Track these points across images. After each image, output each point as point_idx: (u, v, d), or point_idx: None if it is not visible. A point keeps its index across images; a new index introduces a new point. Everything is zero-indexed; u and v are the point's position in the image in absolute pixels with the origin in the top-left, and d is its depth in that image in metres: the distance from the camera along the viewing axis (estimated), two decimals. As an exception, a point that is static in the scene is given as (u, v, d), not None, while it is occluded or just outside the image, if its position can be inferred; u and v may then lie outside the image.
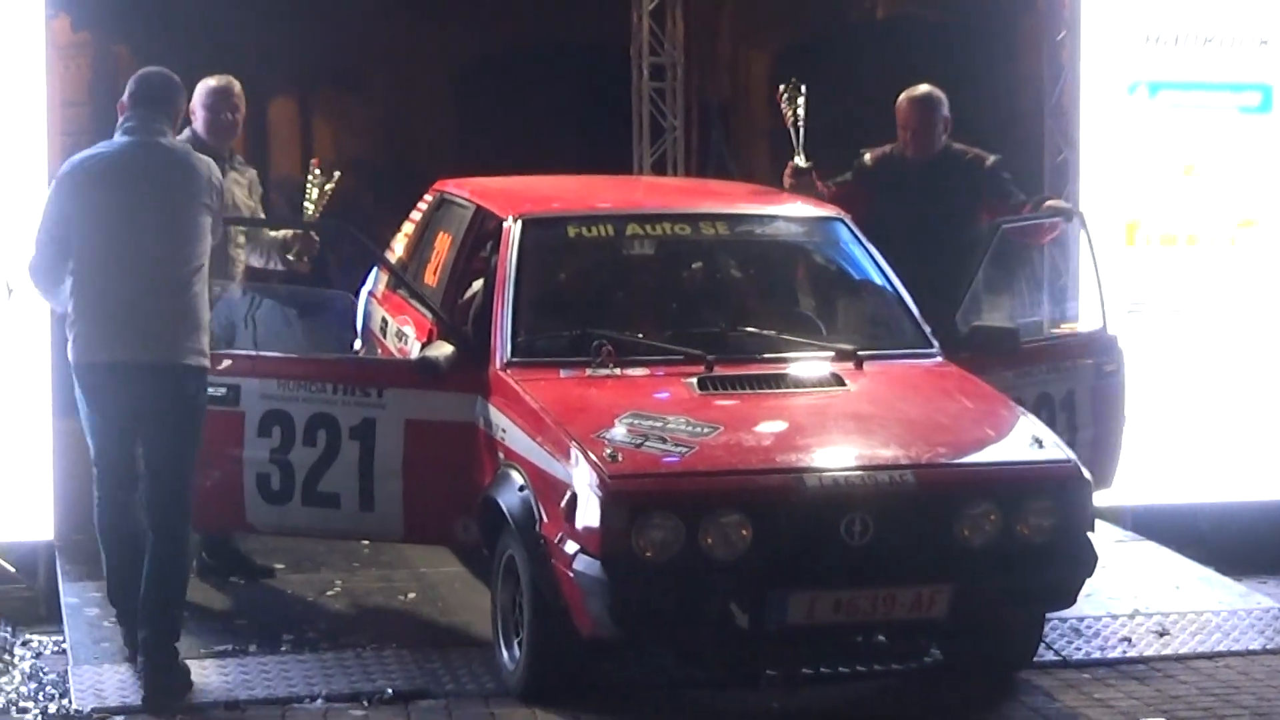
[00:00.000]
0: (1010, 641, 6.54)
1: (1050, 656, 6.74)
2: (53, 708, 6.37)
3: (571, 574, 5.89)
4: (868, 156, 7.95)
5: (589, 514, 5.88)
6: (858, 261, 7.26)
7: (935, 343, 6.94)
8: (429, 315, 7.17)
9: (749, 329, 6.96)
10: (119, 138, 6.40)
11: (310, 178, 7.58)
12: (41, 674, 6.78)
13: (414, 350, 7.22)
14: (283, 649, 6.79)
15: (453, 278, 7.45)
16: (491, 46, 17.65)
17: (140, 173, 6.33)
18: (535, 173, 8.69)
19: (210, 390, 6.75)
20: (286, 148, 18.93)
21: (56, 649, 7.07)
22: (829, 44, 16.53)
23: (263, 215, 7.90)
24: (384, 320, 8.04)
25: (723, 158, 16.55)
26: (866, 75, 15.62)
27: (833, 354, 6.79)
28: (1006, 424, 6.45)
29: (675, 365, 6.64)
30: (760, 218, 7.44)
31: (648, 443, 6.07)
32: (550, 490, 6.09)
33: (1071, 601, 6.26)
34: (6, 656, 6.95)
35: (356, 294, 8.43)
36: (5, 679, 6.67)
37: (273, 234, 7.72)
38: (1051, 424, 6.74)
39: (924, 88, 7.86)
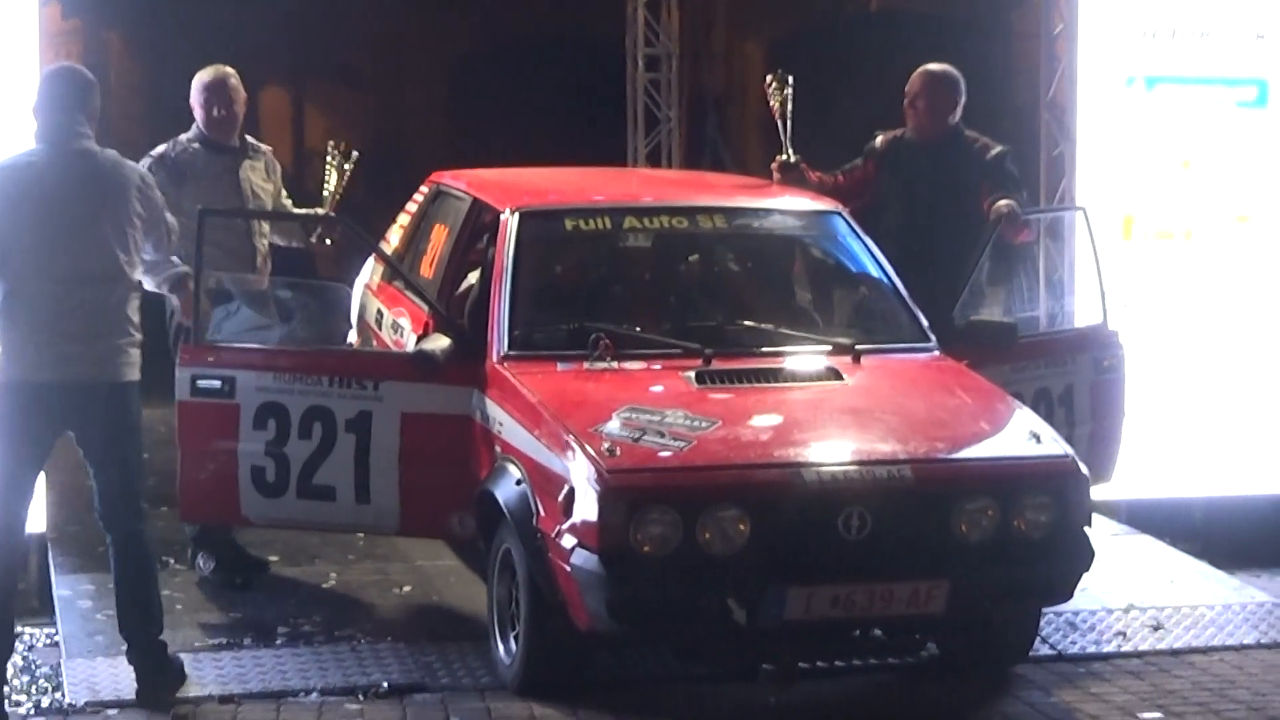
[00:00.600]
0: (1006, 636, 6.53)
1: (1046, 651, 6.74)
2: (46, 701, 6.35)
3: (569, 568, 5.88)
4: (879, 139, 7.92)
5: (587, 508, 5.87)
6: (855, 255, 7.25)
7: (933, 337, 6.93)
8: (426, 308, 7.15)
9: (746, 323, 6.94)
10: (38, 145, 6.14)
11: (329, 159, 7.53)
12: (34, 667, 6.77)
13: (409, 342, 7.20)
14: (278, 642, 6.78)
15: (449, 270, 7.42)
16: (485, 37, 17.66)
17: (61, 184, 6.07)
18: (529, 164, 8.68)
19: (206, 383, 6.74)
20: (279, 137, 18.91)
21: (49, 641, 7.06)
22: (824, 36, 16.54)
23: (285, 196, 7.80)
24: (379, 312, 8.02)
25: (718, 149, 16.56)
26: (860, 67, 15.63)
27: (830, 348, 6.78)
28: (1004, 419, 6.44)
29: (673, 359, 6.62)
30: (758, 211, 7.43)
31: (645, 437, 6.05)
32: (548, 484, 6.07)
33: (1069, 597, 6.26)
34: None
35: (350, 285, 8.41)
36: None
37: (310, 212, 7.64)
38: (1049, 419, 6.73)
39: (941, 65, 7.84)
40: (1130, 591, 7.35)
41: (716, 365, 6.55)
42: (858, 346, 6.77)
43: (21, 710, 6.20)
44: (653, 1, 12.48)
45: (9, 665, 6.67)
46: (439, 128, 17.29)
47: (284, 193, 7.83)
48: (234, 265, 7.47)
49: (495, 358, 6.66)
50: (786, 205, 7.47)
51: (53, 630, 7.10)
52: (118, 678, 6.41)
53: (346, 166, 7.54)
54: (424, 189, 8.16)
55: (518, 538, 6.15)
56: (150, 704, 6.15)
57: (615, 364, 6.59)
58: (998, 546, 6.01)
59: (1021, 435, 6.26)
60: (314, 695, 6.28)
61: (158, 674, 6.23)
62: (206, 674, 6.45)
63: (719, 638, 6.08)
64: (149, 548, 6.37)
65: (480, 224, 7.44)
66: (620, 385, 6.46)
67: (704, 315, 6.96)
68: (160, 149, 7.58)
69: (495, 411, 6.54)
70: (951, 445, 6.25)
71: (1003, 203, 7.41)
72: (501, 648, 6.40)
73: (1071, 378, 7.27)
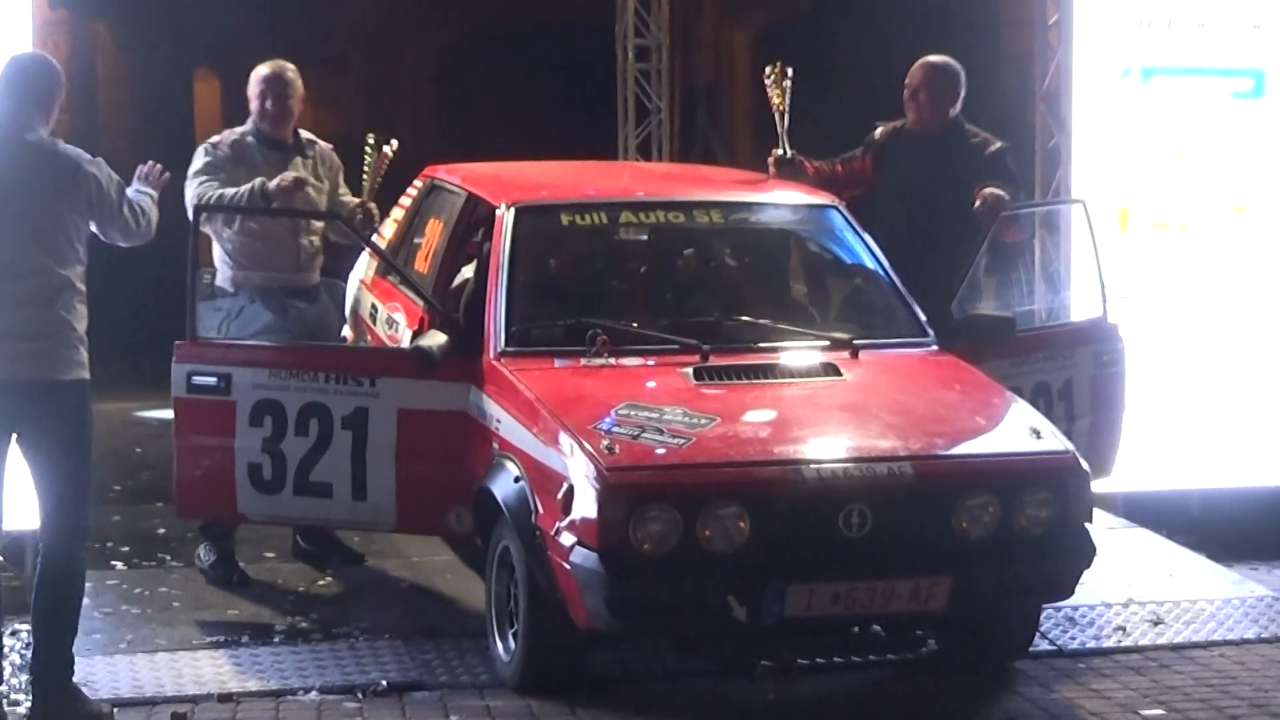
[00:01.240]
0: (1006, 632, 6.52)
1: (1045, 646, 6.72)
2: (44, 701, 6.30)
3: (568, 566, 5.86)
4: (879, 131, 7.90)
5: (586, 506, 5.84)
6: (853, 249, 7.23)
7: (931, 331, 6.91)
8: (422, 304, 7.11)
9: (744, 318, 6.92)
10: None
11: (366, 149, 7.48)
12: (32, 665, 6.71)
13: (405, 338, 7.18)
14: (275, 640, 6.77)
15: (444, 265, 7.39)
16: (475, 27, 17.62)
17: (3, 176, 5.94)
18: (518, 154, 8.65)
19: (202, 379, 6.70)
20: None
21: (46, 639, 6.99)
22: (812, 24, 16.49)
23: (344, 193, 7.71)
24: (374, 307, 7.99)
25: (708, 139, 16.53)
26: (850, 55, 15.60)
27: (828, 343, 6.76)
28: (1004, 414, 6.42)
29: (670, 355, 6.60)
30: (755, 205, 7.41)
31: (644, 434, 6.03)
32: (546, 482, 6.05)
33: (1070, 593, 6.25)
34: (-4, 648, 6.88)
35: (344, 279, 8.38)
36: (-5, 671, 6.60)
37: (350, 207, 7.57)
38: (1049, 413, 6.72)
39: (942, 57, 7.81)
40: (1129, 586, 7.35)
41: (714, 361, 6.53)
42: (856, 342, 6.75)
43: (20, 710, 6.15)
44: (643, -9, 12.43)
45: (5, 664, 6.66)
46: (428, 117, 17.26)
47: (342, 188, 7.72)
48: (279, 262, 7.40)
49: (492, 354, 6.64)
50: (783, 199, 7.45)
51: (49, 629, 7.03)
52: (116, 676, 6.39)
53: (382, 159, 7.45)
54: (418, 183, 8.13)
55: (516, 535, 6.13)
56: None
57: (613, 360, 6.57)
58: (998, 543, 5.99)
59: (1022, 431, 6.25)
60: (313, 694, 6.26)
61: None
62: (205, 672, 6.43)
63: (719, 635, 6.06)
64: (78, 584, 6.13)
65: (475, 219, 7.41)
66: (618, 381, 6.44)
67: (701, 311, 6.94)
68: (216, 138, 7.53)
69: (492, 408, 6.51)
70: (952, 441, 6.23)
71: (988, 190, 7.36)
72: (500, 645, 6.38)
73: (1071, 371, 7.26)
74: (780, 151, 7.67)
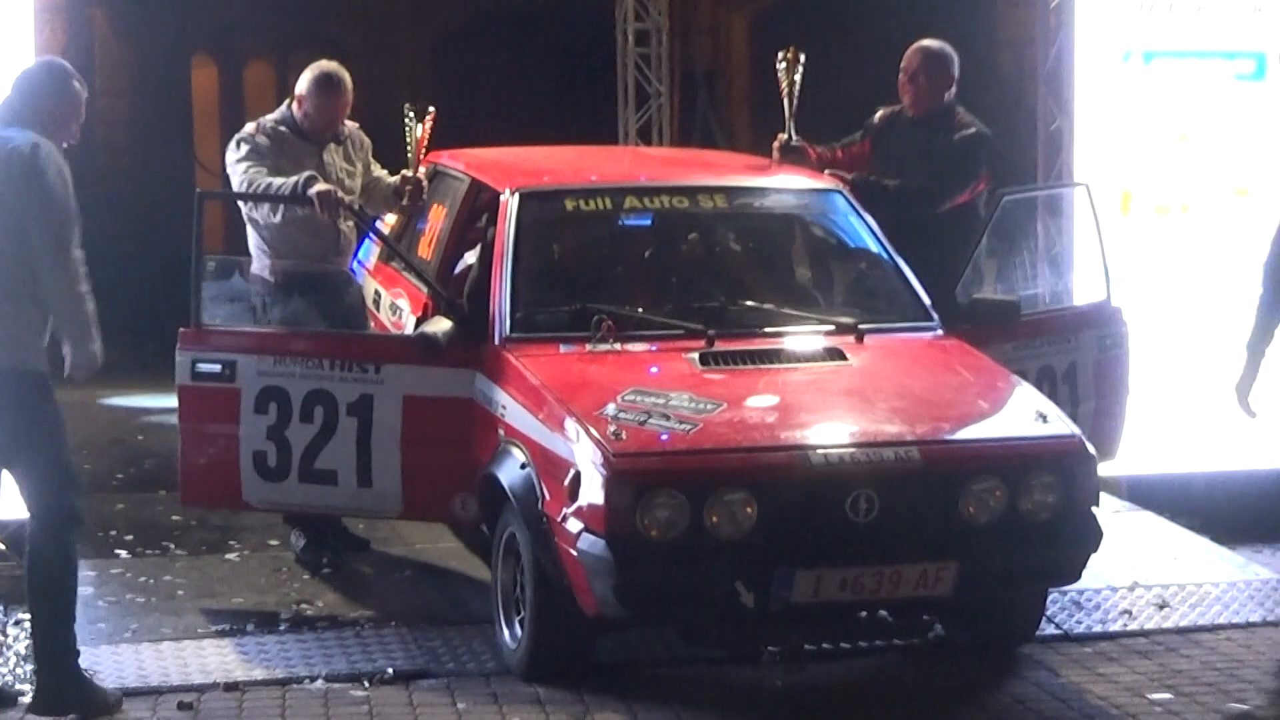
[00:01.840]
0: (1013, 617, 6.52)
1: (1051, 630, 6.72)
2: (50, 689, 6.29)
3: (575, 553, 5.85)
4: (878, 115, 7.90)
5: (593, 492, 5.84)
6: (857, 234, 7.22)
7: (936, 315, 6.90)
8: (427, 290, 7.10)
9: (749, 303, 6.91)
10: None
11: (406, 120, 7.44)
12: (37, 655, 6.70)
13: (409, 324, 7.17)
14: (281, 628, 6.76)
15: (448, 251, 7.39)
16: (474, 12, 17.56)
17: None
18: (517, 140, 8.63)
19: (206, 366, 6.69)
20: (263, 113, 18.80)
21: (51, 628, 6.98)
22: (811, 7, 16.43)
23: (378, 170, 7.64)
24: (377, 293, 7.98)
25: (708, 123, 16.49)
26: (848, 38, 15.58)
27: (833, 328, 6.75)
28: (1010, 399, 6.42)
29: (676, 340, 6.60)
30: (759, 190, 7.40)
31: (651, 420, 6.02)
32: (553, 468, 6.04)
33: (1076, 578, 6.24)
34: (1, 637, 6.87)
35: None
36: (0, 660, 6.59)
37: (387, 182, 7.55)
38: (1053, 397, 6.71)
39: (937, 42, 7.81)
40: (1134, 569, 7.34)
41: (720, 346, 6.52)
42: (861, 326, 6.74)
43: (25, 700, 6.14)
44: (643, -25, 12.42)
45: (10, 654, 6.66)
46: (427, 102, 17.21)
47: (374, 166, 7.65)
48: (317, 248, 7.34)
49: (497, 340, 6.63)
50: (788, 184, 7.44)
51: (54, 617, 7.03)
52: (122, 665, 6.38)
53: (421, 128, 7.40)
54: (421, 169, 8.11)
55: (523, 522, 6.12)
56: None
57: (618, 346, 6.56)
58: (1005, 528, 5.99)
59: (1028, 415, 6.24)
60: (319, 682, 6.25)
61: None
62: (210, 661, 6.42)
63: (726, 621, 6.06)
64: (68, 562, 6.08)
65: (479, 205, 7.40)
66: (624, 367, 6.44)
67: (706, 296, 6.92)
68: (251, 127, 7.40)
69: (498, 394, 6.50)
70: (958, 426, 6.23)
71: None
72: (506, 632, 6.38)
73: (1075, 355, 7.25)
74: (785, 136, 7.66)
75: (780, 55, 7.68)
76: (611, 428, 5.94)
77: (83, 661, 6.32)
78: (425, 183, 7.53)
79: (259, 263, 7.42)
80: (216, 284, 7.45)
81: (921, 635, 6.57)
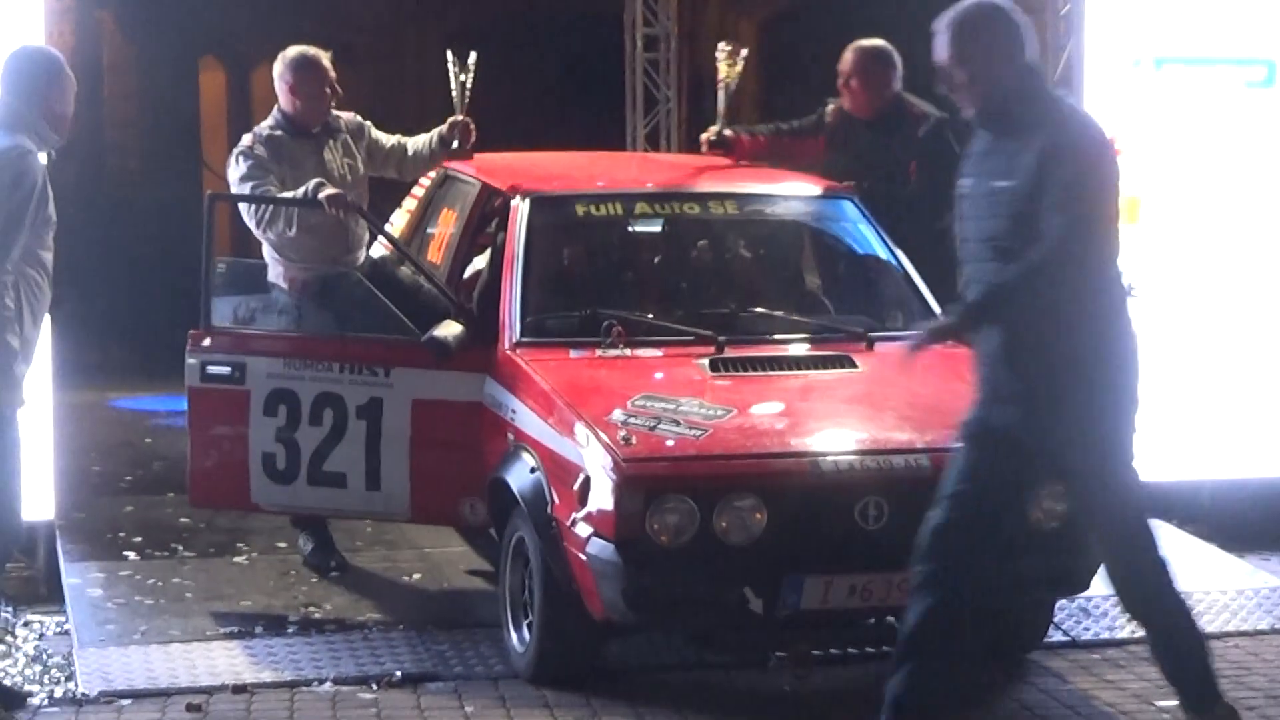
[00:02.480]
0: (1021, 623, 6.52)
1: (1059, 637, 6.73)
2: (59, 691, 6.30)
3: (584, 557, 5.86)
4: (829, 110, 7.87)
5: (602, 497, 5.84)
6: (866, 240, 7.23)
7: (945, 323, 6.89)
8: (437, 293, 7.10)
9: (759, 309, 6.92)
10: None
11: (451, 71, 7.43)
12: (45, 656, 6.72)
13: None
14: (289, 631, 6.76)
15: (458, 256, 7.39)
16: (482, 17, 17.58)
17: None
18: (525, 145, 8.63)
19: (216, 369, 6.70)
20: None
21: (59, 630, 7.01)
22: (817, 12, 16.44)
23: (386, 139, 7.59)
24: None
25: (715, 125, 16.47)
26: (854, 41, 15.57)
27: (843, 334, 6.76)
28: (1020, 406, 6.40)
29: (686, 346, 6.61)
30: (769, 197, 7.40)
31: (661, 425, 6.03)
32: (562, 472, 6.05)
33: (1085, 586, 6.23)
34: (9, 638, 6.88)
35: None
36: (9, 661, 6.60)
37: (426, 138, 7.54)
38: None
39: (873, 41, 7.78)
40: (1142, 576, 7.32)
41: (730, 353, 6.53)
42: (870, 333, 6.74)
43: (35, 701, 6.16)
44: (651, -20, 12.43)
45: (19, 655, 6.67)
46: (435, 106, 17.23)
47: (384, 138, 7.59)
48: (330, 251, 7.30)
49: (507, 344, 6.64)
50: (798, 191, 7.44)
51: (63, 619, 7.06)
52: (130, 667, 6.38)
53: (464, 77, 7.43)
54: (431, 173, 8.12)
55: (532, 526, 6.13)
56: None
57: (628, 351, 6.57)
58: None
59: (1038, 423, 6.22)
60: (327, 685, 6.25)
61: None
62: (219, 663, 6.43)
63: (735, 627, 6.07)
64: None
65: (489, 209, 7.40)
66: (634, 372, 6.45)
67: (716, 302, 6.95)
68: (247, 140, 7.35)
69: (507, 399, 6.51)
70: (968, 433, 6.21)
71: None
72: (514, 636, 6.38)
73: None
74: (716, 128, 7.64)
75: (720, 47, 7.69)
76: (621, 433, 5.94)
77: (93, 663, 6.36)
78: (472, 125, 7.49)
79: (274, 271, 7.40)
80: (247, 294, 7.42)
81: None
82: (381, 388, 6.75)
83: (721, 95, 7.69)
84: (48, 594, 7.46)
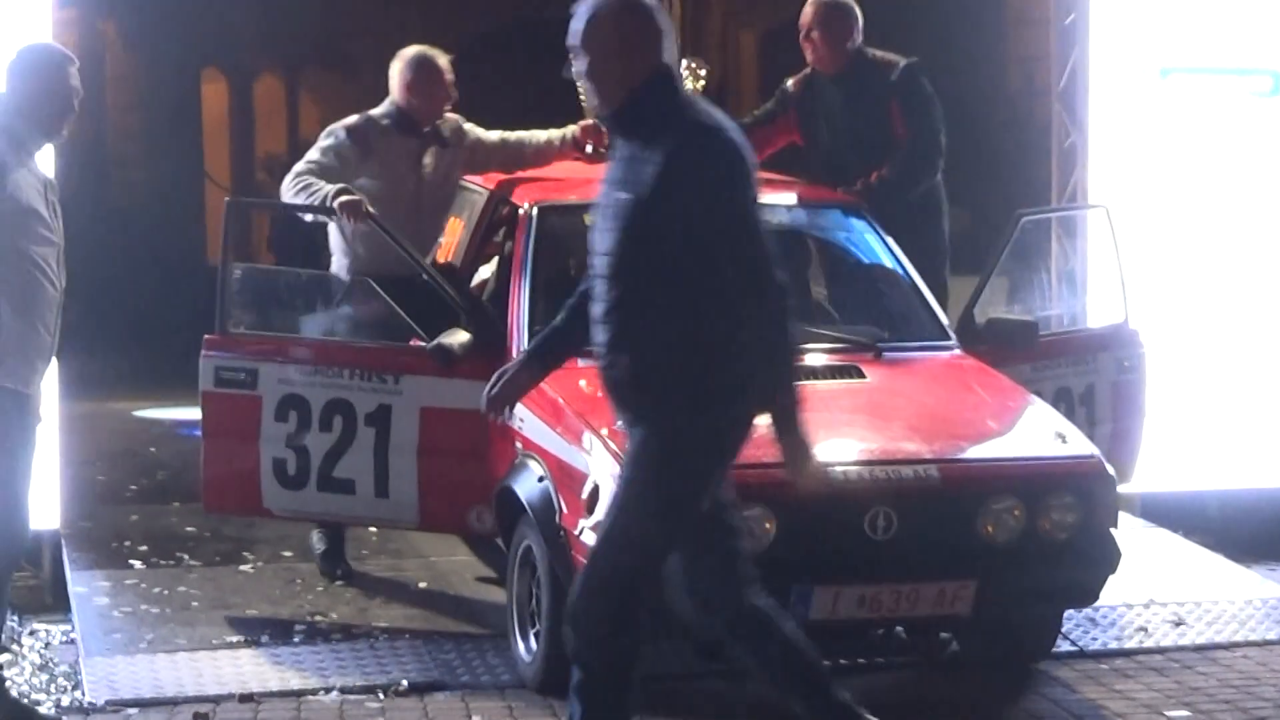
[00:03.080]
0: (1029, 634, 6.51)
1: (1067, 647, 6.72)
2: (66, 700, 6.30)
3: (593, 566, 5.84)
4: (790, 82, 7.86)
5: (611, 506, 5.82)
6: (874, 251, 7.23)
7: (953, 335, 6.90)
8: (451, 301, 7.09)
9: (767, 318, 6.89)
10: None
11: (686, 73, 7.41)
12: (52, 665, 6.71)
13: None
14: (295, 640, 6.75)
15: (466, 263, 7.38)
16: (485, 25, 17.59)
17: None
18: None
19: (230, 373, 6.70)
20: (274, 126, 18.83)
21: (65, 639, 7.01)
22: (821, 24, 16.45)
23: (487, 134, 7.58)
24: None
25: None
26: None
27: (851, 345, 6.75)
28: (1029, 418, 6.41)
29: (694, 355, 6.58)
30: (777, 207, 7.37)
31: (669, 434, 6.00)
32: (570, 481, 6.04)
33: (1094, 598, 6.24)
34: (15, 647, 6.88)
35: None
36: (15, 670, 6.59)
37: (559, 134, 7.54)
38: (1070, 418, 6.69)
39: None
40: (1150, 586, 7.32)
41: (738, 361, 6.51)
42: (879, 344, 6.74)
43: (42, 710, 6.14)
44: (655, -9, 12.43)
45: (25, 664, 6.66)
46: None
47: (486, 135, 7.56)
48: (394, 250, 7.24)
49: (515, 353, 6.63)
50: (805, 200, 7.44)
51: (69, 628, 7.05)
52: (137, 676, 6.37)
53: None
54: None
55: (539, 535, 6.12)
56: None
57: (637, 360, 6.54)
58: (1024, 547, 5.98)
59: (1047, 435, 6.23)
60: (334, 694, 6.24)
61: None
62: (225, 672, 6.42)
63: (744, 636, 6.04)
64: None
65: (498, 218, 7.40)
66: (643, 382, 6.42)
67: (724, 311, 6.91)
68: (353, 120, 7.33)
69: (515, 407, 6.48)
70: (977, 444, 6.23)
71: (861, 185, 7.40)
72: (521, 645, 6.37)
73: (1093, 377, 7.25)
74: None
75: (684, 64, 7.70)
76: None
77: (99, 672, 6.35)
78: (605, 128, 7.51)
79: (338, 263, 7.39)
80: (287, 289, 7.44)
81: (938, 653, 6.56)
82: (390, 395, 6.75)
83: None
84: (54, 603, 7.46)
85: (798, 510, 5.83)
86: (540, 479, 6.18)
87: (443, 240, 7.72)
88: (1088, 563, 6.07)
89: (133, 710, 6.11)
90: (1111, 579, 6.31)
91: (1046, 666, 6.55)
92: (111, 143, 16.38)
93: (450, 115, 7.55)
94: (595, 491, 5.89)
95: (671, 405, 5.00)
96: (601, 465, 5.91)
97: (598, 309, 5.06)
